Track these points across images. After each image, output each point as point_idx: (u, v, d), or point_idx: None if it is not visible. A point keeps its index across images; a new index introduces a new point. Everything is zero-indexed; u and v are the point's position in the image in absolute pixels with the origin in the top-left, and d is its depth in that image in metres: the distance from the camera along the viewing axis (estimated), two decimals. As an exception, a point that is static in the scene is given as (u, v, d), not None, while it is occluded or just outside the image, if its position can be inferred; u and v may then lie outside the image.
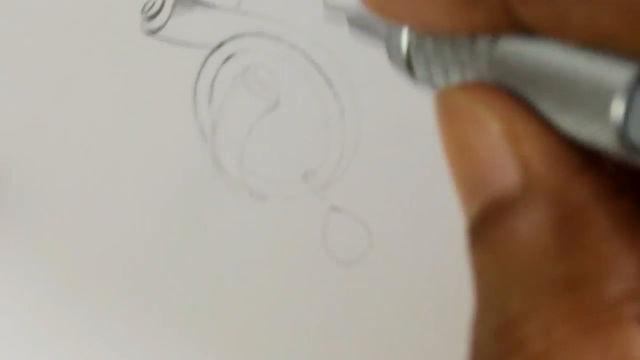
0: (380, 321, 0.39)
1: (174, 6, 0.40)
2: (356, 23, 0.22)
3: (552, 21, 0.16)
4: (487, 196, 0.18)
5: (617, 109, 0.15)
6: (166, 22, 0.40)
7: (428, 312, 0.39)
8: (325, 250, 0.39)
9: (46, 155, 0.39)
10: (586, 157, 0.17)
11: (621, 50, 0.16)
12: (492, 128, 0.17)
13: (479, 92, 0.18)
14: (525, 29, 0.17)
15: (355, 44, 0.40)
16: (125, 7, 0.40)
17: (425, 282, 0.39)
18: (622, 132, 0.15)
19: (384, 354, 0.39)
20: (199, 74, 0.40)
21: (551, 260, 0.17)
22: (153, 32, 0.40)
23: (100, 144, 0.39)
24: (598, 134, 0.16)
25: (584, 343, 0.16)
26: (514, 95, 0.17)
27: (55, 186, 0.39)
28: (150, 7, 0.40)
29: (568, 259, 0.16)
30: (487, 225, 0.18)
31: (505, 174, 0.17)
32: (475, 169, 0.18)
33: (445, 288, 0.38)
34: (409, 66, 0.20)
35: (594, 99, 0.16)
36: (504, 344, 0.17)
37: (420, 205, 0.39)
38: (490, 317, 0.17)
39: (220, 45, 0.40)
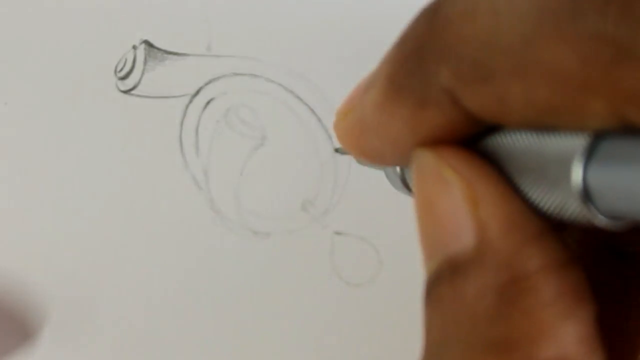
0: (401, 335, 0.39)
1: (145, 62, 0.40)
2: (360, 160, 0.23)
3: (494, 104, 0.17)
4: (444, 256, 0.18)
5: (577, 174, 0.16)
6: (140, 79, 0.40)
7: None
8: (336, 275, 0.39)
9: (38, 224, 0.39)
10: (541, 225, 0.18)
11: (566, 126, 0.16)
12: (454, 190, 0.18)
13: (447, 154, 0.18)
14: (477, 122, 0.18)
15: (330, 69, 0.40)
16: (99, 70, 0.40)
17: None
18: (583, 194, 0.16)
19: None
20: (181, 124, 0.40)
21: (490, 322, 0.17)
22: (129, 91, 0.40)
23: (93, 207, 0.39)
24: (566, 203, 0.17)
25: None
26: (483, 159, 0.18)
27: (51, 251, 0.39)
28: (122, 68, 0.40)
29: (506, 322, 0.17)
30: (438, 284, 0.18)
31: (462, 235, 0.18)
32: (437, 228, 0.18)
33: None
34: (406, 184, 0.22)
35: (556, 171, 0.17)
36: None
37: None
38: None
39: (197, 92, 0.40)
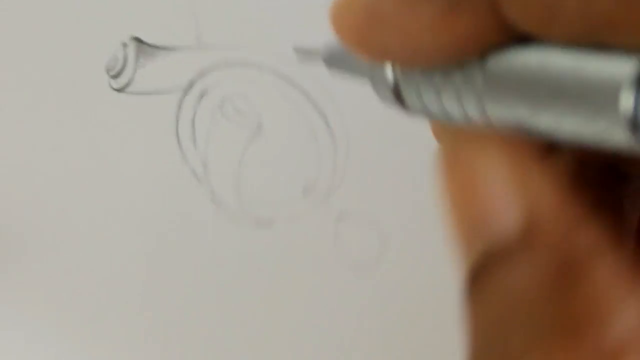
0: (411, 319, 0.39)
1: (136, 59, 0.40)
2: (334, 62, 0.21)
3: (543, 15, 0.16)
4: (486, 243, 0.17)
5: (627, 100, 0.15)
6: (133, 76, 0.40)
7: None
8: (341, 259, 0.39)
9: (41, 218, 0.39)
10: (590, 205, 0.17)
11: (619, 45, 0.15)
12: (500, 170, 0.17)
13: (489, 137, 0.17)
14: (515, 33, 0.16)
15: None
16: (91, 70, 0.40)
17: (441, 272, 0.39)
18: (634, 123, 0.15)
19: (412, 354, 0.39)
20: (177, 118, 0.40)
21: (551, 306, 0.16)
22: (123, 89, 0.40)
23: (93, 206, 0.39)
24: (608, 131, 0.16)
25: None
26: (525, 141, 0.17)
27: (54, 244, 0.39)
28: (114, 66, 0.40)
29: (568, 307, 0.16)
30: (485, 275, 0.17)
31: (507, 219, 0.17)
32: (476, 214, 0.17)
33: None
34: (398, 98, 0.19)
35: (600, 96, 0.15)
36: None
37: (425, 197, 0.39)
38: (487, 357, 0.17)
39: (191, 85, 0.40)
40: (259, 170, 0.40)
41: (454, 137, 0.18)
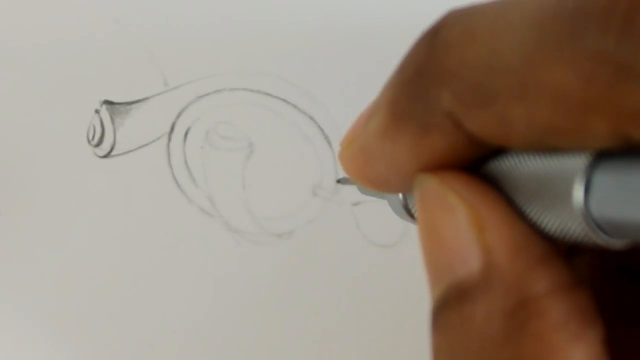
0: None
1: (112, 121, 0.40)
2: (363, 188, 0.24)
3: (496, 126, 0.17)
4: (450, 281, 0.18)
5: (578, 193, 0.16)
6: (114, 138, 0.40)
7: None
8: (369, 243, 0.39)
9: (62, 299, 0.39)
10: (547, 249, 0.18)
11: (566, 147, 0.16)
12: (459, 215, 0.18)
13: (451, 179, 0.19)
14: (480, 145, 0.18)
15: (284, 57, 0.41)
16: (73, 146, 0.40)
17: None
18: (585, 213, 0.16)
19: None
20: (169, 164, 0.40)
21: (499, 346, 0.17)
22: (108, 154, 0.40)
23: (109, 275, 0.39)
24: (567, 223, 0.17)
25: None
26: (487, 184, 0.18)
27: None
28: (93, 136, 0.40)
29: (515, 346, 0.17)
30: (446, 309, 0.18)
31: (468, 260, 0.18)
32: (442, 253, 0.18)
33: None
34: (409, 212, 0.22)
35: (558, 193, 0.17)
36: None
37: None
38: None
39: (172, 128, 0.40)
40: (264, 186, 0.40)
41: (426, 185, 0.19)
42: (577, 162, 0.16)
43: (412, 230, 0.40)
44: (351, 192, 0.40)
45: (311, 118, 0.40)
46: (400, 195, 0.22)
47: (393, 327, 0.39)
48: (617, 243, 0.17)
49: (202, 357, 0.38)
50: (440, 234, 0.18)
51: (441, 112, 0.18)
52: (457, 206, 0.18)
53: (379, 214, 0.40)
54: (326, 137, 0.40)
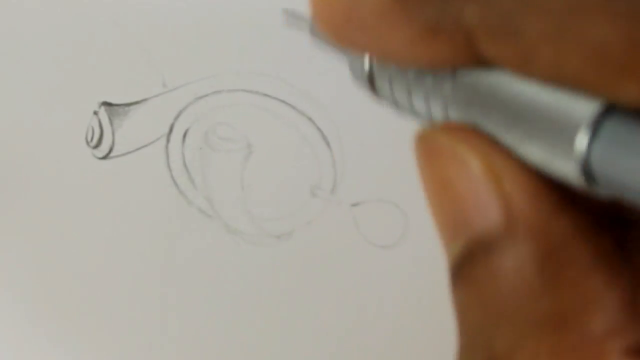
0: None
1: (111, 123, 0.40)
2: (319, 35, 0.21)
3: (518, 59, 0.16)
4: (469, 235, 0.18)
5: (581, 142, 0.16)
6: (113, 140, 0.40)
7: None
8: (368, 243, 0.39)
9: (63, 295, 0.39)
10: (566, 193, 0.17)
11: (584, 91, 0.16)
12: (474, 167, 0.17)
13: (460, 133, 0.18)
14: (486, 63, 0.17)
15: (283, 57, 0.41)
16: (72, 148, 0.40)
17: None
18: (586, 166, 0.16)
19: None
20: (168, 166, 0.40)
21: (534, 297, 0.17)
22: (107, 155, 0.40)
23: (111, 278, 0.39)
24: (562, 167, 0.16)
25: None
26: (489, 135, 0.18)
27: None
28: (92, 137, 0.40)
29: (551, 295, 0.17)
30: (469, 265, 0.18)
31: (487, 212, 0.17)
32: (457, 208, 0.18)
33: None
34: (371, 84, 0.20)
35: (558, 133, 0.16)
36: None
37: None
38: (475, 355, 0.17)
39: (171, 130, 0.40)
40: (262, 187, 0.40)
41: (432, 139, 0.18)
42: (588, 107, 0.16)
43: (411, 231, 0.40)
44: (349, 192, 0.40)
45: (310, 119, 0.40)
46: (367, 61, 0.20)
47: (392, 328, 0.39)
48: (603, 193, 0.16)
49: (202, 358, 0.38)
50: (453, 188, 0.18)
51: (458, 24, 0.17)
52: (469, 157, 0.17)
53: (379, 215, 0.40)
54: (325, 138, 0.40)
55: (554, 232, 0.17)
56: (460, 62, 0.17)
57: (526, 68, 0.16)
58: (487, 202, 0.17)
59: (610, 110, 0.16)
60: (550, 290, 0.17)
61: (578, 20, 0.15)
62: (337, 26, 0.18)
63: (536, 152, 0.17)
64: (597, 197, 0.16)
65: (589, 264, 0.17)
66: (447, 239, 0.18)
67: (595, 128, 0.16)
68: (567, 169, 0.16)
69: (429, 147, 0.18)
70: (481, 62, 0.17)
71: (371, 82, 0.20)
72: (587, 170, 0.16)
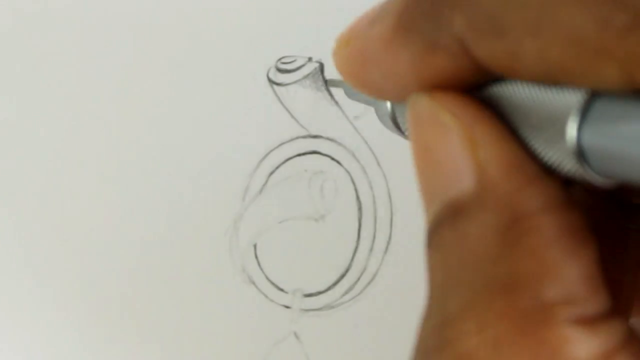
0: None
1: (305, 76, 0.39)
2: (351, 92, 0.24)
3: (506, 56, 0.17)
4: (444, 200, 0.18)
5: (571, 129, 0.17)
6: (289, 84, 0.40)
7: None
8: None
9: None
10: (540, 168, 0.18)
11: (572, 85, 0.17)
12: (453, 133, 0.18)
13: (444, 99, 0.19)
14: (485, 72, 0.18)
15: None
16: (263, 51, 0.40)
17: None
18: (578, 151, 0.17)
19: None
20: (281, 144, 0.40)
21: (493, 262, 0.17)
22: (275, 83, 0.40)
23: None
24: (558, 154, 0.17)
25: (516, 342, 0.17)
26: (482, 104, 0.19)
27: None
28: (288, 62, 0.40)
29: (509, 261, 0.17)
30: (440, 228, 0.18)
31: (461, 178, 0.18)
32: (436, 173, 0.19)
33: None
34: (396, 124, 0.22)
35: (553, 127, 0.17)
36: (439, 340, 0.18)
37: None
38: (432, 315, 0.18)
39: (316, 136, 0.40)
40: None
41: (419, 105, 0.19)
42: (575, 97, 0.17)
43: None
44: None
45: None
46: (389, 105, 0.22)
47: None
48: (603, 181, 0.17)
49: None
50: (434, 152, 0.19)
51: (451, 35, 0.18)
52: (450, 124, 0.18)
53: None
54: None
55: (522, 203, 0.17)
56: (463, 75, 0.18)
57: (515, 66, 0.17)
58: (462, 169, 0.18)
59: (597, 96, 0.17)
60: (508, 256, 0.17)
61: (554, 11, 0.16)
62: (353, 68, 0.20)
63: (543, 150, 0.18)
64: (596, 184, 0.17)
65: (551, 236, 0.17)
66: (426, 203, 0.19)
67: (583, 114, 0.17)
68: (567, 161, 0.17)
69: (417, 111, 0.19)
70: (479, 70, 0.18)
71: (395, 122, 0.22)
72: (580, 155, 0.17)
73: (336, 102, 0.39)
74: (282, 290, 0.40)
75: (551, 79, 0.17)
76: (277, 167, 0.40)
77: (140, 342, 0.40)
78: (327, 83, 0.36)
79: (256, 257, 0.40)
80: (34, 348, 0.39)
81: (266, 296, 0.40)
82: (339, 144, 0.40)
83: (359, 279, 0.40)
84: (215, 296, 0.40)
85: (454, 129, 0.18)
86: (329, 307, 0.40)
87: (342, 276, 0.40)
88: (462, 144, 0.18)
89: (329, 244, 0.40)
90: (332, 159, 0.40)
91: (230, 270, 0.40)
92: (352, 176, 0.40)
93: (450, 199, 0.18)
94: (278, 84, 0.40)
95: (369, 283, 0.40)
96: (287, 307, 0.40)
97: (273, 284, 0.40)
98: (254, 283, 0.40)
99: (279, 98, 0.40)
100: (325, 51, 0.40)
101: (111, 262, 0.40)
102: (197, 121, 0.40)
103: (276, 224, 0.40)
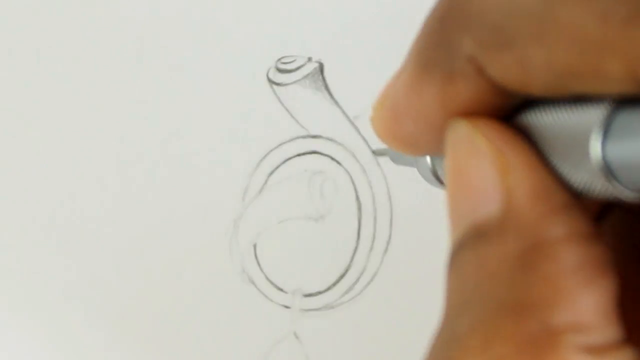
0: None
1: (305, 76, 0.39)
2: (396, 156, 0.25)
3: (516, 70, 0.17)
4: (469, 223, 0.19)
5: (595, 146, 0.17)
6: (289, 84, 0.40)
7: None
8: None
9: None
10: (568, 198, 0.18)
11: (589, 93, 0.17)
12: (485, 157, 0.18)
13: (479, 124, 0.19)
14: (505, 93, 0.18)
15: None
16: (263, 52, 0.40)
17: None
18: (604, 167, 0.17)
19: None
20: (281, 144, 0.40)
21: (507, 285, 0.17)
22: (275, 83, 0.40)
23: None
24: (587, 174, 0.17)
25: None
26: (517, 132, 0.19)
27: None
28: (288, 62, 0.40)
29: (523, 285, 0.17)
30: (462, 250, 0.19)
31: (488, 202, 0.18)
32: (465, 196, 0.19)
33: None
34: (437, 176, 0.22)
35: (579, 142, 0.17)
36: (444, 357, 0.18)
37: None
38: (443, 332, 0.18)
39: (315, 136, 0.40)
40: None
41: (457, 128, 0.19)
42: (596, 112, 0.17)
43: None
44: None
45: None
46: (429, 160, 0.22)
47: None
48: (635, 196, 0.17)
49: None
50: (466, 176, 0.19)
51: (464, 57, 0.18)
52: (484, 148, 0.19)
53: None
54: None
55: (544, 230, 0.18)
56: (482, 97, 0.18)
57: (527, 79, 0.17)
58: (490, 193, 0.18)
59: (617, 109, 0.16)
60: (523, 280, 0.17)
61: (555, 12, 0.16)
62: (387, 127, 0.21)
63: (573, 172, 0.18)
64: (629, 201, 0.17)
65: (570, 266, 0.17)
66: (452, 225, 0.19)
67: (605, 129, 0.16)
68: (596, 180, 0.17)
69: (454, 136, 0.19)
70: (498, 91, 0.18)
71: (437, 176, 0.22)
72: (607, 171, 0.17)
73: (336, 102, 0.39)
74: (281, 290, 0.40)
75: (565, 89, 0.17)
76: (277, 167, 0.40)
77: (140, 342, 0.40)
78: (374, 153, 0.36)
79: (256, 257, 0.40)
80: (35, 347, 0.39)
81: (266, 296, 0.40)
82: (339, 144, 0.40)
83: (358, 279, 0.40)
84: (215, 296, 0.40)
85: (487, 153, 0.18)
86: (329, 307, 0.40)
87: (342, 276, 0.40)
88: (493, 169, 0.18)
89: (329, 244, 0.40)
90: (332, 159, 0.40)
91: (230, 271, 0.40)
92: (352, 176, 0.40)
93: (475, 222, 0.18)
94: (278, 84, 0.40)
95: (368, 283, 0.40)
96: (286, 307, 0.40)
97: (273, 284, 0.40)
98: (253, 283, 0.40)
99: (278, 98, 0.40)
100: (324, 51, 0.40)
101: (110, 262, 0.40)
102: (196, 121, 0.40)
103: (276, 224, 0.40)
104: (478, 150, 0.19)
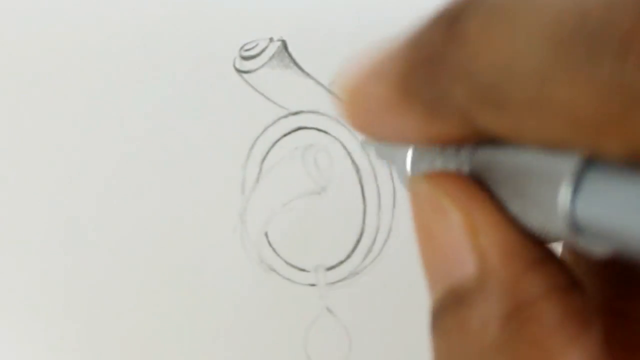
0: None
1: (270, 58, 0.39)
2: (379, 151, 0.24)
3: (508, 129, 0.17)
4: (447, 285, 0.18)
5: (564, 195, 0.16)
6: (258, 69, 0.39)
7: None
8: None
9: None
10: (541, 251, 0.18)
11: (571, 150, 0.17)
12: (453, 219, 0.18)
13: (443, 182, 0.19)
14: (487, 136, 0.18)
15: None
16: (224, 43, 0.40)
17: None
18: (570, 216, 0.16)
19: None
20: (265, 128, 0.40)
21: (496, 353, 0.17)
22: (244, 72, 0.40)
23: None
24: (553, 224, 0.17)
25: None
26: (480, 186, 0.19)
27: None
28: (249, 49, 0.40)
29: (511, 352, 0.17)
30: (443, 313, 0.19)
31: (463, 265, 0.18)
32: (438, 257, 0.19)
33: None
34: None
35: (546, 191, 0.17)
36: None
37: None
38: None
39: (297, 113, 0.40)
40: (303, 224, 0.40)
41: (419, 187, 0.19)
42: (568, 163, 0.16)
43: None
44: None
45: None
46: (408, 163, 0.22)
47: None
48: (599, 251, 0.17)
49: None
50: (436, 237, 0.19)
51: (452, 104, 0.18)
52: (451, 209, 0.18)
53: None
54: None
55: (523, 290, 0.17)
56: (464, 135, 0.18)
57: (518, 137, 0.17)
58: (463, 255, 0.18)
59: (592, 162, 0.16)
60: (510, 347, 0.17)
61: (552, 89, 0.16)
62: (358, 119, 0.20)
63: (532, 215, 0.18)
64: (591, 254, 0.17)
65: (553, 323, 0.17)
66: (429, 285, 0.19)
67: (577, 181, 0.16)
68: (558, 227, 0.17)
69: (418, 193, 0.19)
70: (482, 132, 0.18)
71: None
72: (574, 224, 0.16)
73: (308, 74, 0.39)
74: (304, 270, 0.40)
75: (553, 148, 0.17)
76: (267, 153, 0.40)
77: (171, 348, 0.40)
78: (362, 144, 0.35)
79: (270, 244, 0.40)
80: (37, 348, 0.39)
81: (290, 280, 0.40)
82: (321, 114, 0.40)
83: (375, 239, 0.40)
84: (239, 294, 0.40)
85: (454, 214, 0.18)
86: (354, 274, 0.40)
87: (359, 241, 0.40)
88: (463, 230, 0.18)
89: (337, 213, 0.40)
90: (319, 130, 0.40)
91: (249, 265, 0.40)
92: (342, 141, 0.40)
93: (452, 285, 0.18)
94: (247, 72, 0.40)
95: (386, 240, 0.40)
96: (313, 285, 0.40)
97: (294, 266, 0.40)
98: (274, 270, 0.40)
99: (251, 85, 0.40)
100: (284, 28, 0.40)
101: (132, 273, 0.40)
102: (178, 128, 0.40)
103: (281, 208, 0.40)
104: (444, 211, 0.18)
